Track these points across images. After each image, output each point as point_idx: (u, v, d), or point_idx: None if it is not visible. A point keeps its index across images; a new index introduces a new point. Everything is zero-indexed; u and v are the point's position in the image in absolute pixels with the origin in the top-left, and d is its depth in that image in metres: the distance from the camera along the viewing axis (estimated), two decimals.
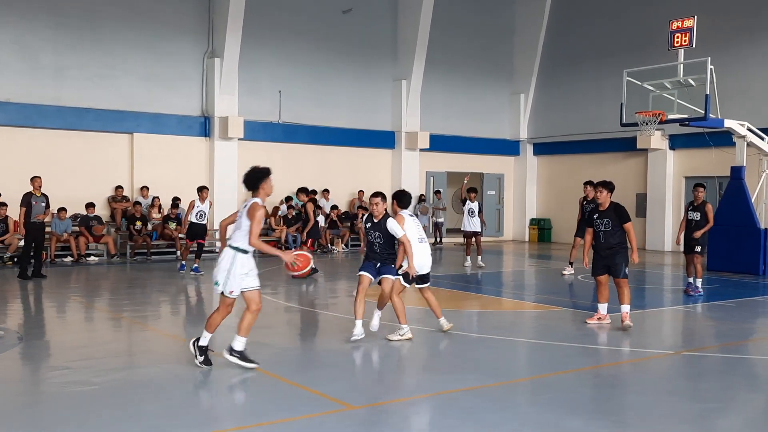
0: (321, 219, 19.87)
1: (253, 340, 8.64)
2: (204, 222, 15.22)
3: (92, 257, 17.26)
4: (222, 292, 6.90)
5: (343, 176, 22.35)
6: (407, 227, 8.29)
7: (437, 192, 23.75)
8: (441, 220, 23.47)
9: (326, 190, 21.48)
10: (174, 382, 6.63)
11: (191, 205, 15.09)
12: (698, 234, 12.19)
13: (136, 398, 6.07)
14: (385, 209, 8.31)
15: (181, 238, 16.85)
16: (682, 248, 12.94)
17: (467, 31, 24.67)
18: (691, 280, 12.40)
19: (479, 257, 16.34)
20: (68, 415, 5.63)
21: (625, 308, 9.18)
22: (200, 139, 20.05)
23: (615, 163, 23.55)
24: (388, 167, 23.51)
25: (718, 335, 9.24)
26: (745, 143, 15.71)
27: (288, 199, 20.19)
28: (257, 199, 6.89)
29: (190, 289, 13.15)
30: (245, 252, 6.86)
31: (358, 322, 8.15)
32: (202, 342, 6.96)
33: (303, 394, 6.26)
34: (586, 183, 14.76)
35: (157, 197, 18.88)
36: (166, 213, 18.31)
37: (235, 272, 6.83)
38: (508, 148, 26.08)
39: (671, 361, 7.69)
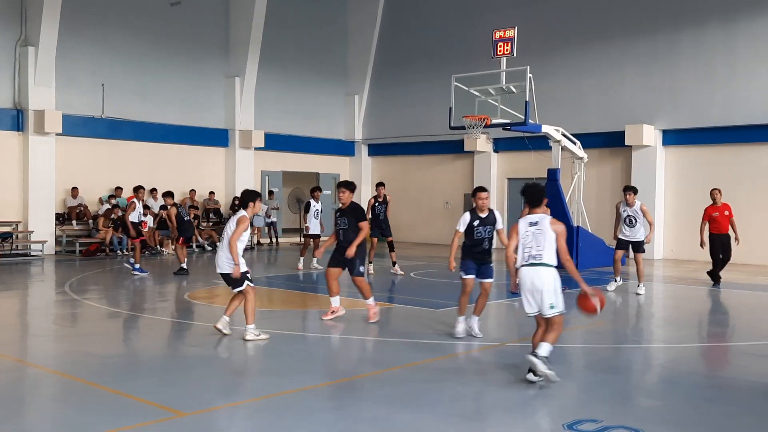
0: (150, 219, 19.04)
1: (75, 348, 8.11)
2: (141, 221, 15.25)
3: None
4: (552, 315, 6.50)
5: (173, 175, 21.49)
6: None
7: (271, 192, 23.51)
8: (274, 220, 23.24)
9: (154, 190, 20.57)
10: None
11: (131, 207, 14.95)
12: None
13: None
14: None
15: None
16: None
17: (302, 31, 24.64)
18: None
19: (315, 259, 16.17)
20: None
21: (369, 301, 9.43)
22: (12, 134, 18.48)
23: (444, 165, 24.50)
24: (222, 166, 22.96)
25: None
26: (560, 147, 16.91)
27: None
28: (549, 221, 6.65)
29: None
30: (557, 268, 6.55)
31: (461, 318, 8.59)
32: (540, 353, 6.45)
33: (130, 404, 5.93)
34: (378, 184, 15.46)
35: None
36: None
37: (559, 290, 6.53)
38: (344, 148, 26.36)
39: (496, 352, 8.09)
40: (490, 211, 8.55)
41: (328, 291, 9.66)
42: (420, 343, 8.42)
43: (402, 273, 15.11)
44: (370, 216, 15.27)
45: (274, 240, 23.18)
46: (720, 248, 13.68)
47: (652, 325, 10.23)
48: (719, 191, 13.90)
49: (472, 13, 23.01)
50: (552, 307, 6.45)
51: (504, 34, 15.84)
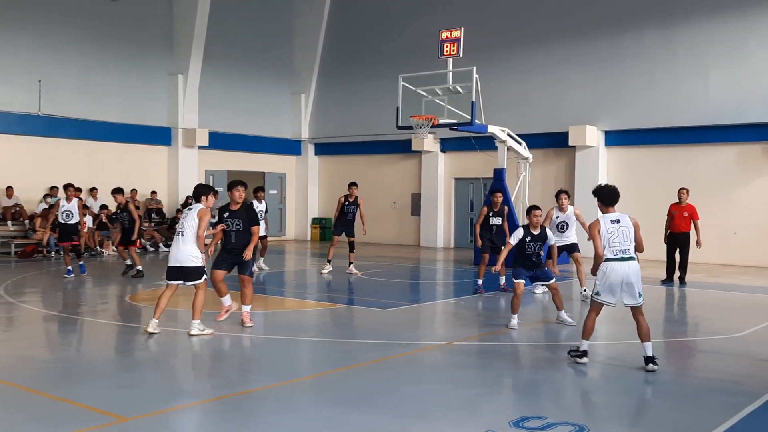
0: (89, 219, 18.53)
1: (11, 353, 7.81)
2: (73, 222, 13.93)
3: None
4: (640, 303, 7.06)
5: (114, 174, 20.93)
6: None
7: (215, 192, 23.10)
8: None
9: (94, 189, 20.03)
10: None
11: (57, 205, 13.91)
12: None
13: None
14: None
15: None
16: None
17: (247, 28, 24.34)
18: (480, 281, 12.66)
19: (261, 258, 15.98)
20: None
21: (246, 308, 9.13)
22: None
23: (392, 164, 24.54)
24: (164, 165, 22.51)
25: (483, 324, 9.93)
26: (506, 147, 17.11)
27: (45, 196, 18.77)
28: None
29: None
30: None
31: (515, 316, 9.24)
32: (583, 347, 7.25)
33: (70, 410, 5.73)
34: (351, 184, 15.29)
35: None
36: None
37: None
38: (290, 147, 26.15)
39: (443, 350, 8.12)
40: (542, 228, 9.39)
41: (217, 293, 9.38)
42: (368, 343, 8.39)
43: (357, 273, 15.06)
44: (338, 214, 15.18)
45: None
46: (675, 247, 13.95)
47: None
48: (686, 191, 14.04)
49: (419, 12, 23.09)
50: (640, 296, 7.03)
51: (450, 34, 15.94)
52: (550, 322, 9.74)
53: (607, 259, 6.98)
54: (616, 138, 19.81)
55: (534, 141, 18.99)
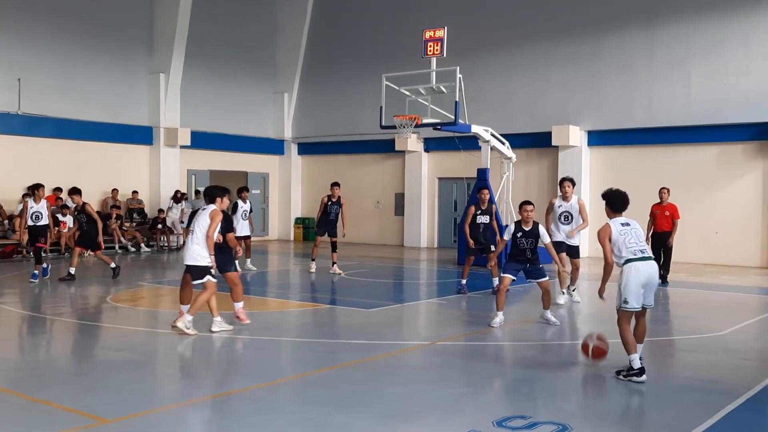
0: (69, 219, 18.35)
1: None
2: (41, 224, 13.57)
3: None
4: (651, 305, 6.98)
5: (95, 174, 20.78)
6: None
7: (197, 192, 23.03)
8: None
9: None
10: None
11: (25, 206, 13.56)
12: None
13: None
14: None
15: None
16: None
17: (229, 27, 24.21)
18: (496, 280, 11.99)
19: (248, 260, 15.89)
20: None
21: (239, 305, 9.18)
22: None
23: (375, 164, 24.52)
24: (146, 164, 22.33)
25: (466, 324, 9.94)
26: (489, 147, 17.15)
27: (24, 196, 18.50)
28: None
29: None
30: None
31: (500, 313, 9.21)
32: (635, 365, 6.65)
33: (49, 411, 5.67)
34: (333, 184, 15.28)
35: None
36: None
37: None
38: (273, 147, 26.05)
39: (427, 351, 8.12)
40: (535, 224, 9.25)
41: (179, 296, 9.23)
42: (352, 344, 8.37)
43: (341, 272, 15.04)
44: (320, 214, 15.17)
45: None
46: (658, 246, 14.01)
47: (578, 322, 10.46)
48: (667, 190, 14.15)
49: (402, 12, 23.09)
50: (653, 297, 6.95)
51: (434, 34, 15.94)
52: (534, 321, 9.76)
53: (629, 260, 6.66)
54: (598, 138, 19.92)
55: (517, 141, 19.06)
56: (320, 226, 15.22)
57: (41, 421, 5.46)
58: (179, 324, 8.46)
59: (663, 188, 14.23)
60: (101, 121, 20.87)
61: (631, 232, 6.80)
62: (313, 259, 15.42)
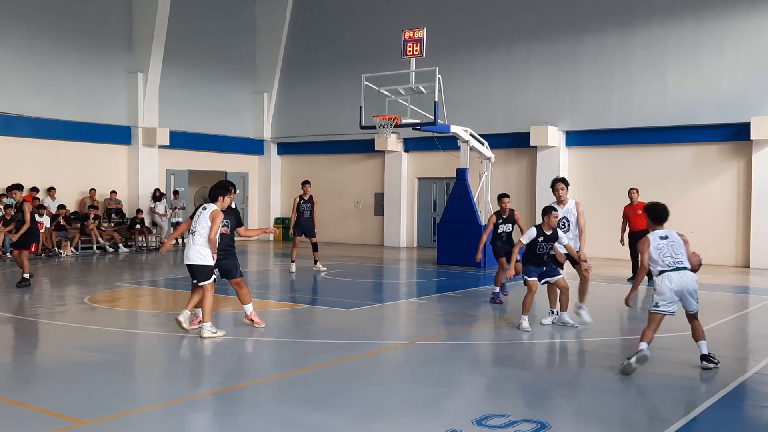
0: (46, 220, 18.15)
1: None
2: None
3: None
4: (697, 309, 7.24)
5: (72, 173, 20.59)
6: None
7: (176, 192, 22.88)
8: (180, 219, 22.61)
9: (52, 189, 19.64)
10: None
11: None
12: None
13: None
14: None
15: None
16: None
17: (208, 26, 24.08)
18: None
19: None
20: None
21: (249, 308, 9.06)
22: None
23: (355, 164, 24.51)
24: (124, 164, 22.16)
25: (446, 324, 9.97)
26: (468, 147, 17.22)
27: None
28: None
29: None
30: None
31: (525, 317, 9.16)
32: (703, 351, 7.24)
33: (25, 413, 5.61)
34: (304, 182, 15.36)
35: None
36: None
37: None
38: (252, 147, 25.95)
39: (406, 350, 8.13)
40: (554, 229, 9.11)
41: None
42: (331, 343, 8.36)
43: (324, 269, 15.04)
44: (295, 215, 15.22)
45: (180, 240, 22.52)
46: (635, 246, 14.08)
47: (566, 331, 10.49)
48: (636, 190, 14.34)
49: (382, 12, 23.11)
50: (697, 302, 7.23)
51: (413, 34, 16.00)
52: (511, 320, 9.81)
53: (662, 271, 7.13)
54: (576, 138, 20.08)
55: (495, 141, 19.15)
56: (296, 226, 15.28)
57: (17, 423, 5.40)
58: (205, 334, 8.31)
59: (632, 189, 14.43)
60: (79, 121, 20.67)
61: (668, 245, 7.23)
62: (292, 261, 15.43)
